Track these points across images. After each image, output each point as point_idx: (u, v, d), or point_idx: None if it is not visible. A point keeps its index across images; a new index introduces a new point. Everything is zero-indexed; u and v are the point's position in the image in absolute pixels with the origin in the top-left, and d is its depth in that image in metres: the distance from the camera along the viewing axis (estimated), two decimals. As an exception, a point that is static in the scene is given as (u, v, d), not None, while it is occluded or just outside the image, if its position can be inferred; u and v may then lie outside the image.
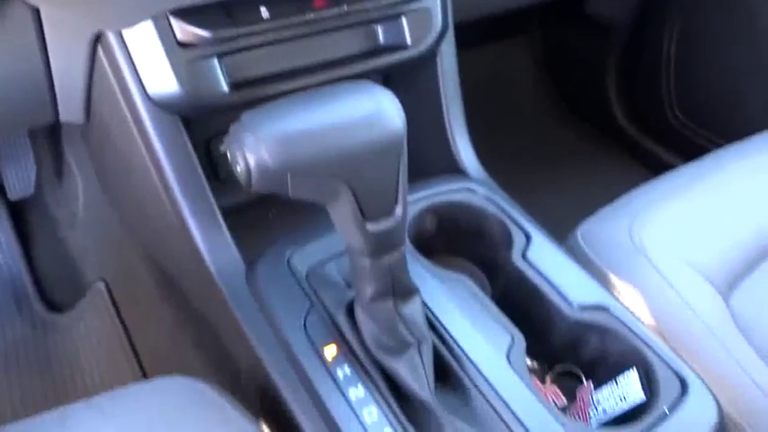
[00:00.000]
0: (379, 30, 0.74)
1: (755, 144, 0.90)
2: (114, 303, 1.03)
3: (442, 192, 0.72)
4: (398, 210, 0.50)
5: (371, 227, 0.49)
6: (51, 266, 1.16)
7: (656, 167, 1.53)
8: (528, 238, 0.68)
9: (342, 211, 0.49)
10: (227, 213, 0.71)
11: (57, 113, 0.74)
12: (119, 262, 1.02)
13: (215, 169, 0.80)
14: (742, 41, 1.35)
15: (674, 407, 0.55)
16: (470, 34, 0.92)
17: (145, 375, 0.96)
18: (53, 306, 1.11)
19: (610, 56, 1.59)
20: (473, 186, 0.73)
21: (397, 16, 0.74)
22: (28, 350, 1.04)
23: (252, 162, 0.45)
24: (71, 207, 1.15)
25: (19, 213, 1.20)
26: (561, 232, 0.77)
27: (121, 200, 0.91)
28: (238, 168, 0.47)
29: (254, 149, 0.45)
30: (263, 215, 0.84)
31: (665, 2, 1.45)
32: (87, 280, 1.10)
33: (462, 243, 0.73)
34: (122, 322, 1.01)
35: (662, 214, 0.77)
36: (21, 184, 1.13)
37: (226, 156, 0.82)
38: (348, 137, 0.47)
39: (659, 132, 1.54)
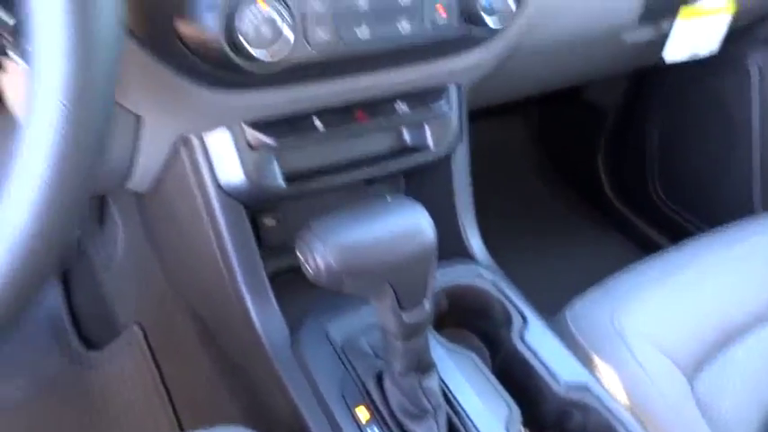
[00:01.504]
0: (406, 134, 0.89)
1: (730, 236, 1.00)
2: (150, 347, 1.14)
3: (455, 276, 0.85)
4: (427, 303, 0.63)
5: (406, 317, 0.62)
6: (88, 306, 1.27)
7: (639, 241, 1.68)
8: (525, 319, 0.82)
9: (383, 304, 0.61)
10: (269, 278, 0.84)
11: (124, 185, 0.86)
12: (158, 309, 1.13)
13: (259, 239, 0.93)
14: (718, 135, 1.49)
15: (640, 475, 0.67)
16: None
17: (176, 415, 1.06)
18: (90, 344, 1.21)
19: (600, 136, 1.74)
20: (481, 271, 0.87)
21: (421, 123, 0.88)
22: (66, 383, 1.14)
23: (321, 265, 0.57)
24: (108, 251, 1.26)
25: None
26: (552, 301, 0.90)
27: (170, 258, 1.03)
28: (309, 268, 0.59)
29: (322, 255, 0.57)
30: (299, 279, 0.96)
31: (652, 95, 1.61)
32: (122, 321, 1.21)
33: (469, 319, 0.86)
34: (157, 365, 1.12)
35: (640, 302, 0.90)
36: None
37: (271, 228, 0.95)
38: (393, 248, 0.59)
39: (644, 210, 1.68)
